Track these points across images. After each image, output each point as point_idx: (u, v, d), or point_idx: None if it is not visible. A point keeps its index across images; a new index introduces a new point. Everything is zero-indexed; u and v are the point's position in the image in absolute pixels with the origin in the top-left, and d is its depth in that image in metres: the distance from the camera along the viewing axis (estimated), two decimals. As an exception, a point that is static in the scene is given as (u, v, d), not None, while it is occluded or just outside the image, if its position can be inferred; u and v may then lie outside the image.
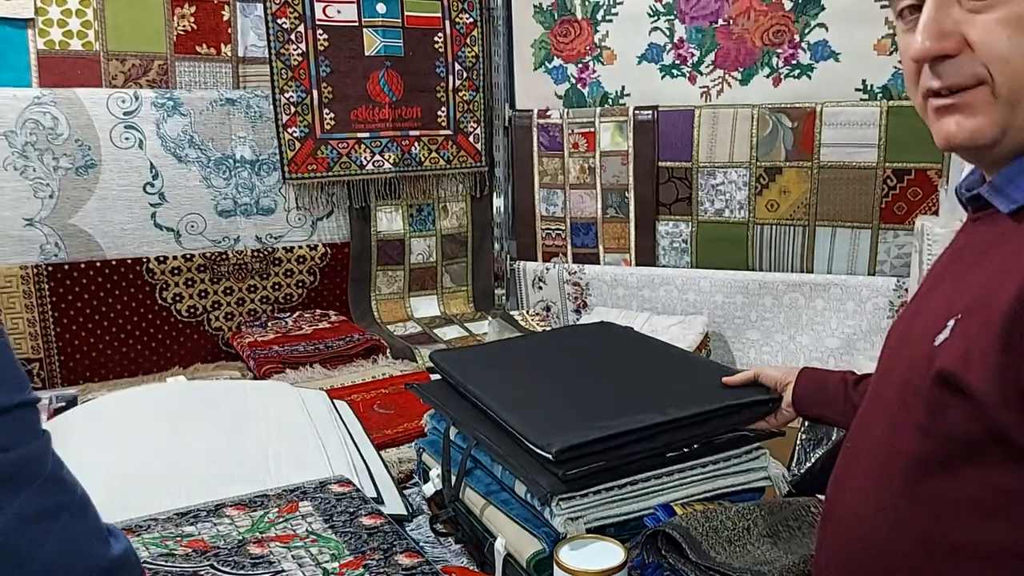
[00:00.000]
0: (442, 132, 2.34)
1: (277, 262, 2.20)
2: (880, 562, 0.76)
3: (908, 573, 0.73)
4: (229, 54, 2.11)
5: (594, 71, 2.24)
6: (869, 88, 1.94)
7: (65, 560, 0.62)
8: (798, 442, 1.52)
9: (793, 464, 1.43)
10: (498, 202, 2.45)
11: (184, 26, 2.04)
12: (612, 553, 1.01)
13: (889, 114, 1.91)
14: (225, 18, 2.09)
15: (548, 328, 2.23)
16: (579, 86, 2.27)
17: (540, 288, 2.41)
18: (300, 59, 2.13)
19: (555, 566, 1.00)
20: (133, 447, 1.38)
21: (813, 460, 1.38)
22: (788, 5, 1.99)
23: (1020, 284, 0.63)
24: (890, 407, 0.76)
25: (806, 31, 1.99)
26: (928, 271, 0.84)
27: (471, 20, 2.32)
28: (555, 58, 2.28)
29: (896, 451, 0.74)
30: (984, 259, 0.72)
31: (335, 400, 1.66)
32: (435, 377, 1.56)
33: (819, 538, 0.87)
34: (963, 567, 0.69)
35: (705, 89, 2.12)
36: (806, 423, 1.55)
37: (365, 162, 2.24)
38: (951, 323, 0.69)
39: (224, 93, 2.10)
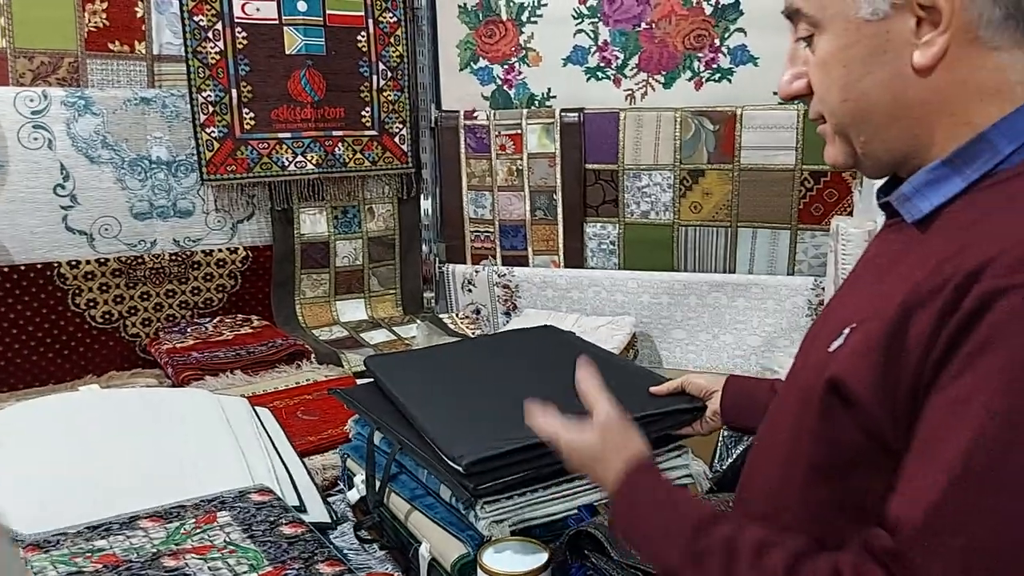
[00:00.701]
0: (367, 133, 2.31)
1: (196, 266, 2.14)
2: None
3: None
4: (143, 52, 2.04)
5: (520, 72, 2.24)
6: (786, 92, 1.99)
7: None
8: (720, 439, 1.55)
9: (715, 461, 1.45)
10: (426, 204, 2.43)
11: (96, 22, 1.96)
12: (536, 554, 1.00)
13: (806, 118, 1.96)
14: (139, 14, 2.02)
15: (479, 331, 2.22)
16: (505, 87, 2.27)
17: (470, 291, 2.40)
18: (218, 57, 2.08)
19: (479, 569, 0.99)
20: (42, 459, 1.32)
21: (735, 456, 1.41)
22: (708, 10, 2.03)
23: (906, 293, 0.64)
24: (791, 411, 0.77)
25: (726, 36, 2.03)
26: (847, 275, 0.86)
27: (395, 19, 2.30)
28: (481, 59, 2.27)
29: (794, 456, 0.75)
30: (888, 269, 0.73)
31: (257, 407, 1.62)
32: (361, 382, 1.54)
33: None
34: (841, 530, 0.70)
35: (629, 92, 2.15)
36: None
37: (287, 163, 2.20)
38: (846, 331, 0.70)
39: (138, 92, 2.03)
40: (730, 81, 2.05)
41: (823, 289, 1.96)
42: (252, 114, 2.14)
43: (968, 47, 0.66)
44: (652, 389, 1.24)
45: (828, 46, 0.72)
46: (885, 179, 0.79)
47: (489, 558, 1.00)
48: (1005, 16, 0.65)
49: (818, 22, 0.73)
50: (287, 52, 2.15)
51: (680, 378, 1.24)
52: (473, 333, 2.19)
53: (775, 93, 2.01)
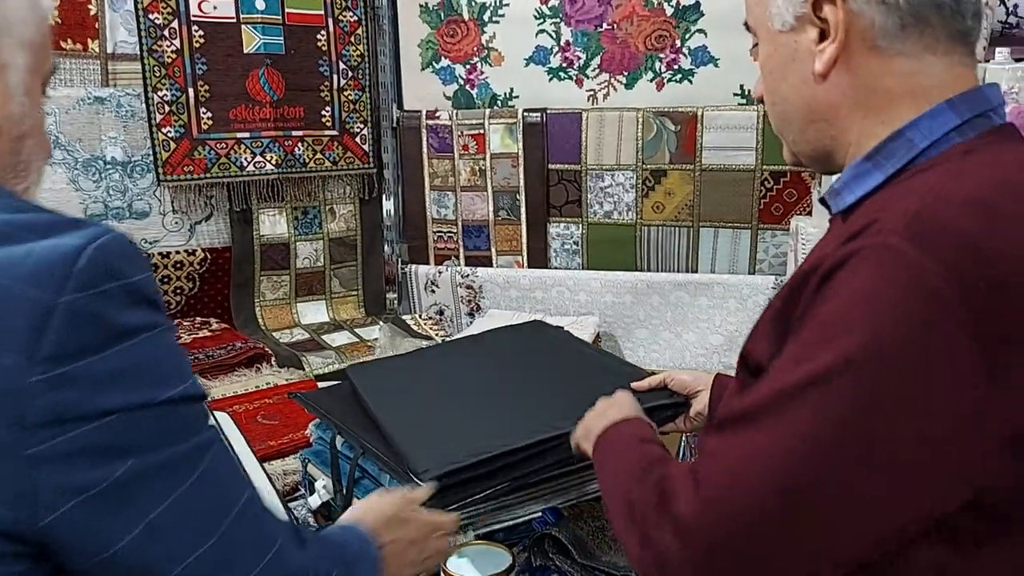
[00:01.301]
0: (327, 132, 2.28)
1: (153, 268, 2.10)
2: None
3: None
4: (97, 50, 1.99)
5: (482, 72, 2.23)
6: (747, 93, 2.01)
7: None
8: (683, 437, 1.55)
9: (680, 459, 1.46)
10: (388, 204, 2.40)
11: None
12: (499, 558, 1.00)
13: (765, 118, 1.97)
14: (92, 12, 1.97)
15: (442, 332, 2.21)
16: (468, 87, 2.26)
17: (433, 292, 2.38)
18: (174, 56, 2.04)
19: (442, 574, 0.98)
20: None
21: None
22: (669, 11, 2.04)
23: (801, 270, 0.69)
24: (734, 389, 0.83)
25: (687, 36, 2.04)
26: None
27: (355, 18, 2.27)
28: (443, 58, 2.26)
29: None
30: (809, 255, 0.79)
31: (215, 411, 1.59)
32: (323, 385, 1.51)
33: None
34: None
35: (592, 92, 2.15)
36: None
37: (245, 163, 2.16)
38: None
39: (92, 91, 1.98)
40: (691, 82, 2.06)
41: (783, 288, 1.98)
42: (209, 114, 2.10)
43: (868, 54, 0.72)
44: (633, 384, 1.22)
45: (761, 55, 0.81)
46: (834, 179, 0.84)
47: (453, 563, 0.99)
48: (902, 26, 0.70)
49: (755, 33, 0.81)
50: (245, 51, 2.12)
51: (663, 374, 1.24)
52: (437, 334, 2.18)
53: (735, 94, 2.03)
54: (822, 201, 0.81)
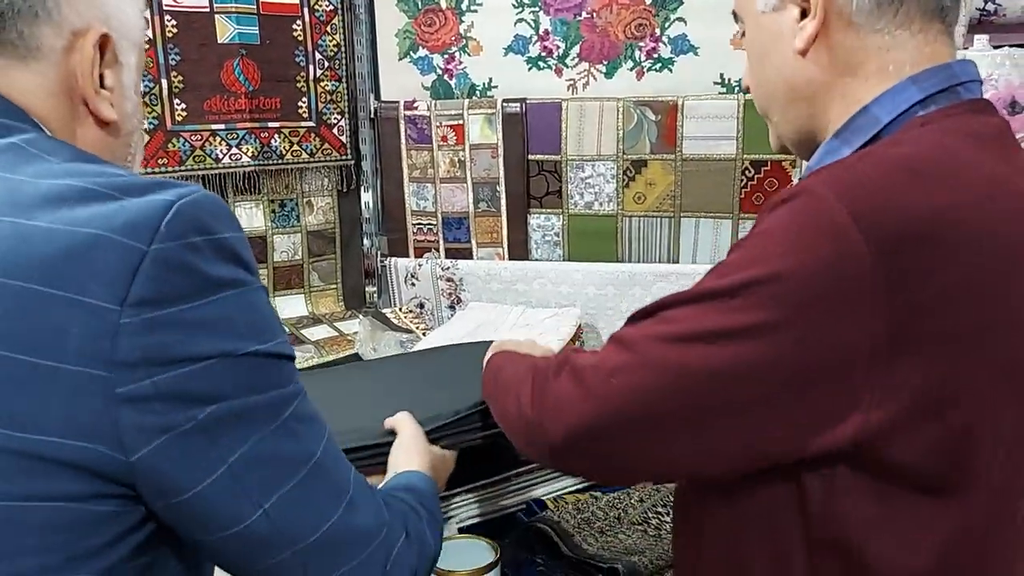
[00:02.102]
0: (304, 124, 2.25)
1: (127, 263, 2.06)
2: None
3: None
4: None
5: (461, 62, 2.21)
6: (727, 82, 2.00)
7: (277, 522, 0.63)
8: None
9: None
10: (366, 196, 2.38)
11: None
12: (485, 552, 0.98)
13: (746, 107, 1.97)
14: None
15: (423, 325, 2.19)
16: (446, 77, 2.23)
17: (413, 285, 2.36)
18: (147, 46, 2.00)
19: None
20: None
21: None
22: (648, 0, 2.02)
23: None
24: None
25: (666, 25, 2.03)
26: None
27: (331, 7, 2.24)
28: (420, 48, 2.23)
29: None
30: None
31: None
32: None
33: None
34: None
35: (571, 82, 2.13)
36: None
37: (221, 155, 2.13)
38: None
39: (62, 81, 1.94)
40: (671, 71, 2.05)
41: (765, 277, 1.98)
42: (184, 105, 2.06)
43: (845, 31, 0.74)
44: None
45: (747, 40, 0.83)
46: None
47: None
48: (878, 3, 0.72)
49: (741, 19, 0.84)
50: (219, 41, 2.08)
51: None
52: (417, 328, 2.16)
53: (716, 83, 2.02)
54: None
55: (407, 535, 0.74)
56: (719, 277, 0.67)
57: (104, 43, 0.71)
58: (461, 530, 1.03)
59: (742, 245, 0.68)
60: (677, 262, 2.12)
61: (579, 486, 1.14)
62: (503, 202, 2.23)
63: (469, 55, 2.20)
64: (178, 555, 0.65)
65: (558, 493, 1.10)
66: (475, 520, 1.05)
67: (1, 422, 0.56)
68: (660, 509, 1.05)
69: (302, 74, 2.22)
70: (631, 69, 2.08)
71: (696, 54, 2.02)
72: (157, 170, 2.05)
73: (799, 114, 0.80)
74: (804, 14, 0.76)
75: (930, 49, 0.73)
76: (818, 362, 0.62)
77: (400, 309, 2.29)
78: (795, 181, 1.92)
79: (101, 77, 0.71)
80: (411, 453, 0.95)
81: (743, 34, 0.84)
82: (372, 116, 2.31)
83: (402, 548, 0.73)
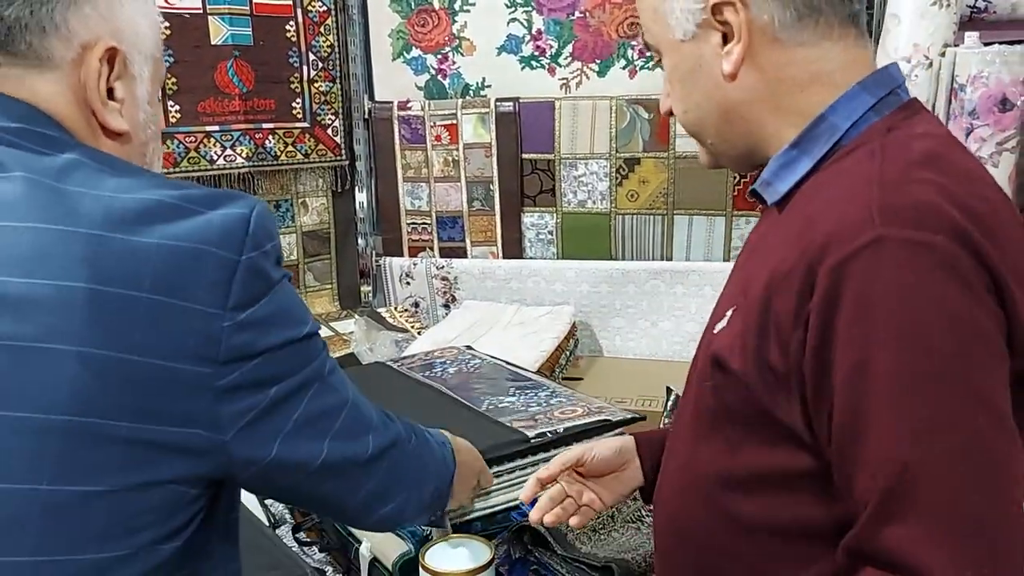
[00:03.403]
0: (298, 124, 2.25)
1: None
2: (688, 541, 0.82)
3: (714, 551, 0.79)
4: None
5: (454, 62, 2.21)
6: (719, 80, 2.01)
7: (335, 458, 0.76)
8: (660, 426, 1.55)
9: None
10: (361, 197, 2.38)
11: (6, 11, 1.87)
12: (479, 552, 0.99)
13: (738, 105, 1.98)
14: (53, 3, 1.93)
15: (418, 324, 2.20)
16: (439, 77, 2.24)
17: (408, 284, 2.37)
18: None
19: (421, 569, 0.98)
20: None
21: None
22: (641, -2, 2.03)
23: (770, 274, 0.70)
24: (692, 389, 0.85)
25: (659, 24, 2.03)
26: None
27: (324, 8, 2.24)
28: (414, 48, 2.24)
29: (697, 434, 0.81)
30: (758, 251, 0.81)
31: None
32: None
33: (653, 522, 0.90)
34: (757, 542, 0.75)
35: (564, 81, 2.14)
36: (669, 405, 1.59)
37: (216, 157, 2.13)
38: (729, 313, 0.77)
39: (55, 84, 1.94)
40: (663, 69, 2.05)
41: (758, 274, 1.99)
42: (178, 107, 2.06)
43: (770, 48, 0.75)
44: (539, 474, 1.00)
45: (666, 67, 0.84)
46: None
47: (432, 557, 0.98)
48: (798, 17, 0.74)
49: (656, 48, 0.84)
50: (213, 42, 2.08)
51: (579, 448, 1.01)
52: (412, 327, 2.16)
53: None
54: (752, 193, 0.83)
55: (417, 439, 0.89)
56: (936, 380, 0.63)
57: (112, 56, 0.73)
58: (456, 529, 1.04)
59: (874, 334, 0.63)
60: (671, 259, 2.13)
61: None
62: (497, 201, 2.24)
63: (462, 55, 2.20)
64: (216, 533, 0.74)
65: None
66: (469, 517, 1.06)
67: (132, 417, 0.63)
68: (653, 507, 1.06)
69: (296, 75, 2.22)
70: (624, 68, 2.08)
71: (688, 53, 2.03)
72: (151, 172, 2.05)
73: (735, 133, 0.81)
74: (726, 39, 0.77)
75: (852, 55, 0.76)
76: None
77: (395, 308, 2.29)
78: (787, 179, 1.93)
79: (112, 89, 0.74)
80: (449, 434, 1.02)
81: (659, 62, 0.85)
82: (366, 116, 2.32)
83: (414, 448, 0.87)
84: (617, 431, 1.17)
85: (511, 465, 1.10)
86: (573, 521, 0.94)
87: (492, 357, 1.63)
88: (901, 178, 0.67)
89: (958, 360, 0.62)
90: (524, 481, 1.10)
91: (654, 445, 1.00)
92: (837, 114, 0.74)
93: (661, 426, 1.56)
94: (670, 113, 0.87)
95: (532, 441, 1.09)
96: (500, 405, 1.25)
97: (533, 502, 1.10)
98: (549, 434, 1.10)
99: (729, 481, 0.77)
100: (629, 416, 1.16)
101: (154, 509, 0.65)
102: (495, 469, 1.07)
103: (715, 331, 0.79)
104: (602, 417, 1.14)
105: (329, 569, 1.17)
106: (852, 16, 0.76)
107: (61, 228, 0.63)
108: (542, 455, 1.11)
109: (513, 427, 1.13)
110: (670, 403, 1.59)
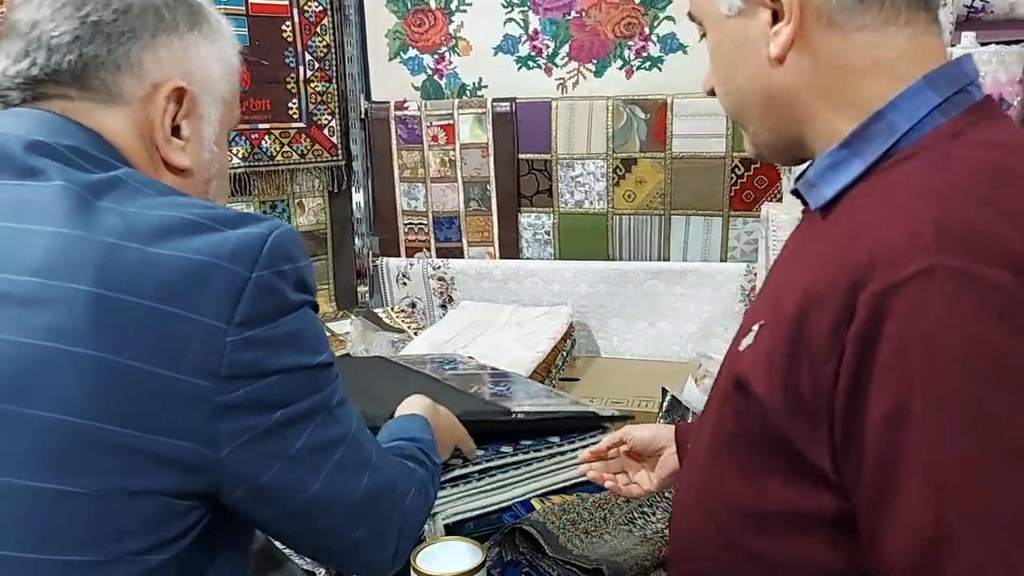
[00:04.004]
0: (294, 125, 2.25)
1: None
2: (700, 566, 0.78)
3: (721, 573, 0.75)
4: None
5: (450, 62, 2.21)
6: (716, 80, 2.00)
7: (327, 493, 0.73)
8: (668, 396, 1.55)
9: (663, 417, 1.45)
10: (357, 197, 2.38)
11: (4, 12, 1.87)
12: (470, 554, 0.98)
13: (735, 105, 1.97)
14: None
15: (415, 325, 2.19)
16: (436, 77, 2.23)
17: (404, 284, 2.36)
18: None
19: (412, 572, 0.97)
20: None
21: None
22: (637, -2, 2.02)
23: (804, 291, 0.63)
24: (713, 409, 0.77)
25: (655, 24, 2.03)
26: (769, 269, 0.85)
27: (320, 8, 2.24)
28: (410, 48, 2.23)
29: (715, 457, 0.75)
30: (791, 261, 0.74)
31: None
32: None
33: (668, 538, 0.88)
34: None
35: (561, 81, 2.14)
36: (664, 405, 1.58)
37: (212, 157, 2.13)
38: (755, 328, 0.70)
39: (50, 84, 1.94)
40: (660, 69, 2.05)
41: (755, 275, 1.98)
42: (173, 107, 2.06)
43: (826, 31, 0.68)
44: (590, 449, 1.08)
45: (709, 44, 0.77)
46: (804, 167, 0.77)
47: (422, 559, 0.98)
48: None
49: (699, 20, 0.77)
50: (208, 42, 2.07)
51: (621, 431, 1.09)
52: (409, 327, 2.16)
53: (703, 86, 2.02)
54: (795, 192, 0.76)
55: (415, 490, 0.85)
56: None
57: (181, 95, 0.76)
58: (448, 530, 1.04)
59: (915, 379, 0.55)
60: (668, 260, 2.13)
61: (568, 483, 1.15)
62: (494, 201, 2.23)
63: (459, 55, 2.20)
64: (222, 554, 0.74)
65: (545, 491, 1.10)
66: (461, 517, 1.05)
67: (126, 423, 0.63)
68: (646, 509, 1.05)
69: (292, 75, 2.22)
70: (620, 68, 2.08)
71: (685, 52, 2.02)
72: (147, 172, 2.05)
73: (780, 122, 0.74)
74: (776, 17, 0.69)
75: (921, 42, 0.68)
76: None
77: (392, 309, 2.29)
78: (784, 179, 1.92)
79: (178, 128, 0.77)
80: (416, 403, 1.03)
81: (703, 36, 0.78)
82: (363, 116, 2.31)
83: (412, 499, 0.84)
84: (602, 428, 1.18)
85: (501, 463, 1.09)
86: (609, 485, 1.03)
87: (477, 361, 1.64)
88: (962, 196, 0.59)
89: (1009, 420, 0.54)
90: (514, 483, 1.10)
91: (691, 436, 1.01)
92: (897, 112, 0.66)
93: (669, 396, 1.55)
94: (712, 93, 0.79)
95: (514, 415, 1.09)
96: (488, 391, 1.25)
97: (525, 505, 1.11)
98: (531, 414, 1.10)
99: (745, 512, 0.71)
100: (618, 413, 1.15)
101: (139, 518, 0.65)
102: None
103: (740, 348, 0.72)
104: (588, 409, 1.13)
105: (321, 571, 1.16)
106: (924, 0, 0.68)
107: (79, 234, 0.64)
108: (533, 454, 1.11)
109: (498, 405, 1.13)
110: (665, 403, 1.58)
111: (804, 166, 0.77)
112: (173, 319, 0.64)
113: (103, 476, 0.63)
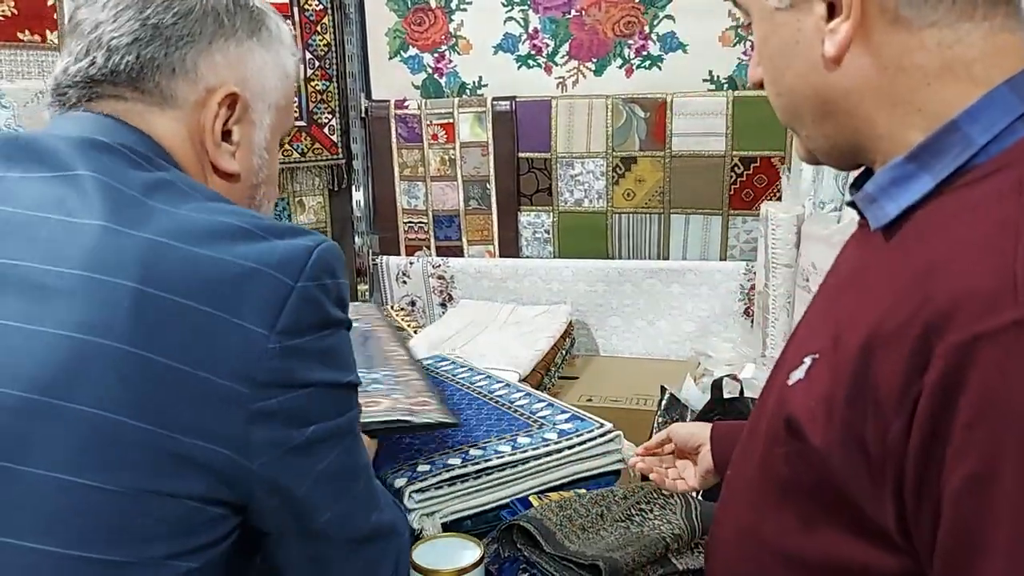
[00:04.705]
0: (295, 123, 2.25)
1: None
2: None
3: None
4: (56, 42, 1.95)
5: (451, 61, 2.21)
6: (716, 79, 2.01)
7: (340, 521, 0.74)
8: (654, 425, 1.55)
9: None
10: (357, 195, 2.38)
11: (3, 11, 1.87)
12: (468, 550, 0.99)
13: (735, 104, 1.98)
14: (50, 3, 1.93)
15: (415, 323, 2.19)
16: (436, 76, 2.24)
17: (404, 283, 2.37)
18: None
19: (410, 568, 0.97)
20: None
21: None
22: (637, -3, 2.03)
23: (871, 327, 0.56)
24: (760, 444, 0.70)
25: (655, 23, 2.03)
26: (819, 286, 0.77)
27: (321, 7, 2.24)
28: (411, 47, 2.24)
29: (764, 501, 0.69)
30: (852, 286, 0.66)
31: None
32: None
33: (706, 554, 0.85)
34: None
35: (561, 79, 2.14)
36: (662, 405, 1.59)
37: (212, 156, 2.13)
38: (808, 361, 0.64)
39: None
40: (660, 68, 2.05)
41: (754, 274, 1.99)
42: (173, 105, 2.06)
43: (891, 29, 0.60)
44: (639, 449, 1.16)
45: (756, 37, 0.69)
46: (860, 171, 0.71)
47: (420, 555, 0.98)
48: None
49: (745, 10, 0.69)
50: (209, 41, 2.08)
51: (667, 429, 1.12)
52: (409, 325, 2.16)
53: (705, 80, 2.02)
54: (851, 204, 0.68)
55: (407, 536, 0.87)
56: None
57: (233, 101, 0.76)
58: (446, 528, 1.04)
59: (1005, 442, 0.49)
60: (667, 258, 2.13)
61: (567, 480, 1.15)
62: (493, 200, 2.24)
63: (459, 54, 2.20)
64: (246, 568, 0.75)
65: (544, 488, 1.11)
66: (459, 515, 1.06)
67: (163, 423, 0.63)
68: (644, 506, 1.05)
69: (292, 73, 2.22)
70: (620, 67, 2.08)
71: (685, 51, 2.03)
72: (148, 170, 2.05)
73: (837, 128, 0.66)
74: (832, 12, 0.61)
75: (1000, 40, 0.59)
76: None
77: (392, 307, 2.29)
78: (784, 178, 1.93)
79: (229, 132, 0.78)
80: None
81: (748, 24, 0.70)
82: (363, 115, 2.32)
83: (406, 538, 0.86)
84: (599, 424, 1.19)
85: (500, 462, 1.10)
86: (654, 476, 1.07)
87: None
88: None
89: None
90: (513, 480, 1.10)
91: (723, 442, 1.01)
92: (974, 123, 0.58)
93: (655, 426, 1.56)
94: (759, 84, 0.71)
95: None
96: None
97: (523, 502, 1.11)
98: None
99: (799, 562, 0.65)
100: (436, 420, 1.07)
101: (168, 521, 0.64)
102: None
103: (789, 382, 0.64)
104: (401, 418, 1.05)
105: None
106: None
107: (127, 231, 0.65)
108: (531, 452, 1.11)
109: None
110: (664, 402, 1.59)
111: (858, 172, 0.71)
112: (215, 321, 0.63)
113: (136, 475, 0.63)
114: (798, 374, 0.64)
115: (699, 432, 1.05)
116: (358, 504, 0.76)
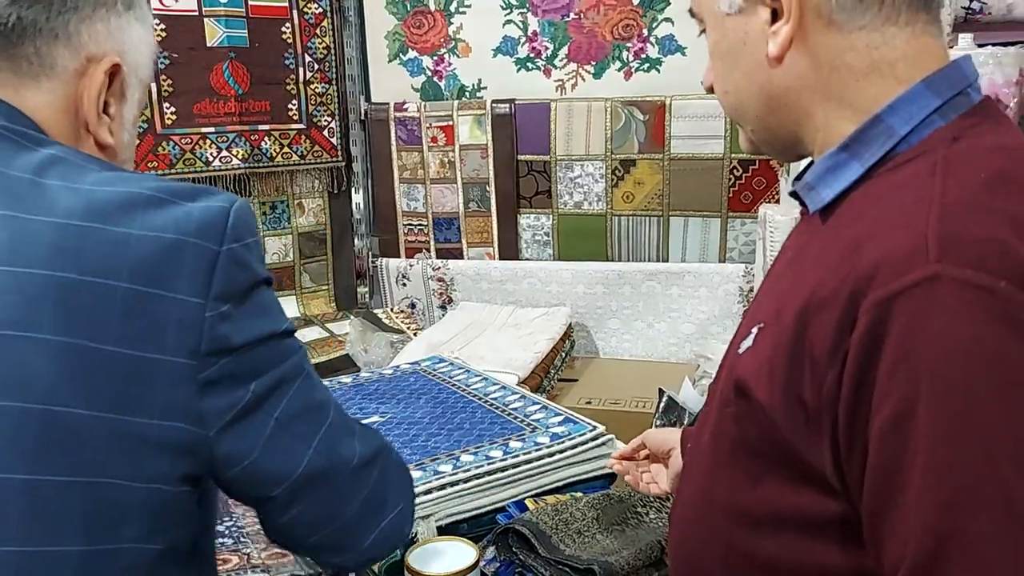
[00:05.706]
0: (294, 126, 2.25)
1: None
2: (699, 570, 0.77)
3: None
4: None
5: (450, 64, 2.22)
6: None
7: (326, 456, 0.74)
8: (651, 428, 1.55)
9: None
10: (357, 198, 2.39)
11: (3, 13, 1.88)
12: (464, 554, 0.99)
13: (733, 106, 1.98)
14: (50, 5, 1.93)
15: (414, 325, 2.20)
16: (435, 79, 2.24)
17: (404, 285, 2.37)
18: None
19: (405, 571, 0.98)
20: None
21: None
22: (635, 0, 2.03)
23: (806, 298, 0.62)
24: (713, 411, 0.76)
25: (653, 25, 2.03)
26: (768, 270, 0.84)
27: (320, 10, 2.25)
28: (410, 50, 2.24)
29: (715, 461, 0.74)
30: (793, 264, 0.73)
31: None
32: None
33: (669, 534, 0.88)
34: None
35: (560, 82, 2.14)
36: (661, 406, 1.58)
37: (211, 158, 2.14)
38: (754, 331, 0.70)
39: (51, 86, 1.94)
40: (659, 71, 2.06)
41: (753, 276, 1.99)
42: (173, 108, 2.07)
43: (826, 31, 0.67)
44: (616, 453, 1.15)
45: (709, 41, 0.76)
46: (804, 166, 0.76)
47: (416, 559, 0.98)
48: None
49: (701, 18, 0.76)
50: (208, 44, 2.09)
51: (641, 435, 1.14)
52: (408, 328, 2.16)
53: (703, 82, 2.02)
54: (793, 195, 0.75)
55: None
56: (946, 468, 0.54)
57: (115, 73, 0.75)
58: (440, 531, 1.04)
59: (920, 383, 0.54)
60: (666, 261, 2.13)
61: (561, 483, 1.15)
62: (493, 202, 2.24)
63: (458, 56, 2.21)
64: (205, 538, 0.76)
65: (539, 492, 1.11)
66: (454, 518, 1.06)
67: (110, 408, 0.62)
68: (639, 510, 1.06)
69: (292, 77, 2.23)
70: (619, 70, 2.09)
71: (683, 54, 2.03)
72: (148, 174, 2.06)
73: (778, 121, 0.73)
74: (776, 16, 0.68)
75: (921, 43, 0.67)
76: None
77: (392, 309, 2.29)
78: (782, 181, 1.93)
79: (106, 104, 0.75)
80: None
81: (702, 32, 0.77)
82: (362, 118, 2.32)
83: (396, 453, 0.85)
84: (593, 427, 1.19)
85: (490, 468, 1.10)
86: (629, 479, 1.08)
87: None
88: (965, 203, 0.58)
89: (1011, 427, 0.53)
90: (508, 484, 1.10)
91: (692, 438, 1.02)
92: (895, 115, 0.65)
93: (653, 427, 1.55)
94: (711, 89, 0.78)
95: None
96: None
97: (519, 505, 1.11)
98: None
99: (746, 516, 0.70)
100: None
101: (135, 506, 0.64)
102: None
103: (739, 351, 0.71)
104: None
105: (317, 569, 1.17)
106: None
107: (39, 218, 0.63)
108: (523, 456, 1.11)
109: None
110: (662, 404, 1.58)
111: (803, 166, 0.77)
112: (148, 298, 0.63)
113: (98, 464, 0.62)
114: (747, 343, 0.70)
115: (670, 437, 1.07)
116: (337, 434, 0.75)
